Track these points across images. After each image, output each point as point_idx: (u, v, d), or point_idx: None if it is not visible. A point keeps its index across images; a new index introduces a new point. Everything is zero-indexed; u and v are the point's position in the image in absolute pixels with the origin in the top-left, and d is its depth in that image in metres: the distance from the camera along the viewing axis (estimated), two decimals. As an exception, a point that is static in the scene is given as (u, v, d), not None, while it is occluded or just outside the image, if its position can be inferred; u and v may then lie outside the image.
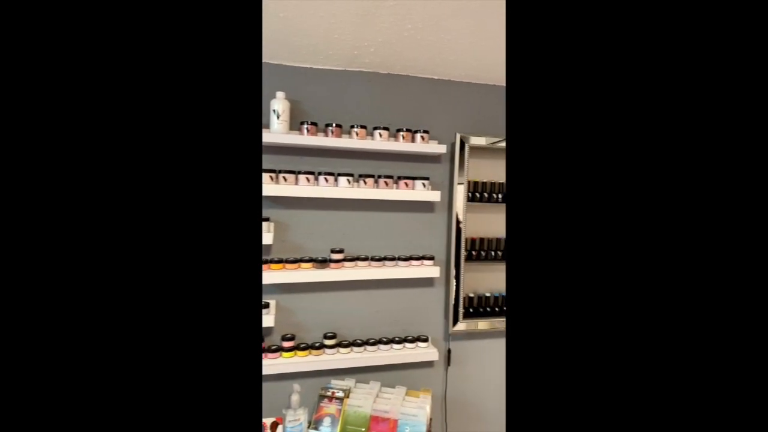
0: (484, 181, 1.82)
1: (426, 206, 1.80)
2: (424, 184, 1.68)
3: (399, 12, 1.18)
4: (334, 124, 1.58)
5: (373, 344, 1.68)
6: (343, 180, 1.59)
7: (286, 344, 1.58)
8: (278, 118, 1.52)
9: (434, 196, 1.69)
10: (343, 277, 1.60)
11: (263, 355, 1.53)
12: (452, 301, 1.80)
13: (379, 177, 1.66)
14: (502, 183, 1.84)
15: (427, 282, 1.81)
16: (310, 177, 1.56)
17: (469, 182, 1.79)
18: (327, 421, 1.50)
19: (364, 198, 1.67)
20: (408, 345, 1.71)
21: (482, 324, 1.83)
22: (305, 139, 1.55)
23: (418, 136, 1.66)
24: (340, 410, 1.51)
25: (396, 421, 1.50)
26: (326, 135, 1.59)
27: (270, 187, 1.50)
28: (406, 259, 1.71)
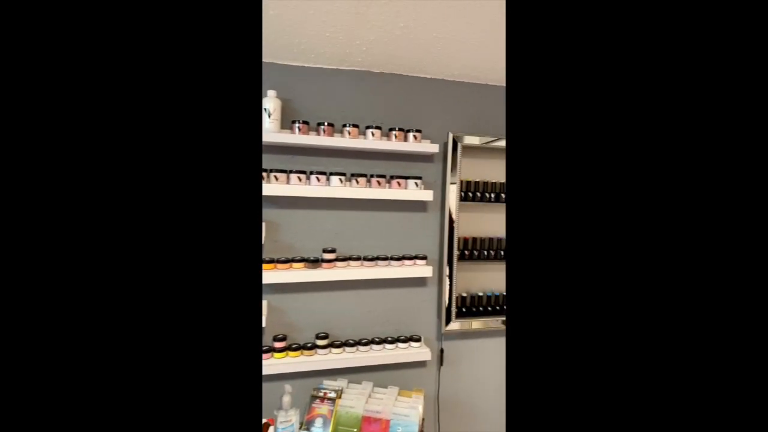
0: (477, 180, 1.82)
1: (418, 206, 1.79)
2: (416, 184, 1.68)
3: (391, 11, 1.17)
4: (326, 123, 1.56)
5: (365, 344, 1.67)
6: (335, 179, 1.58)
7: (278, 345, 1.57)
8: (269, 116, 1.51)
9: (427, 195, 1.69)
10: (335, 277, 1.59)
11: (254, 355, 1.52)
12: (445, 301, 1.80)
13: (372, 176, 1.65)
14: (495, 182, 1.84)
15: (419, 282, 1.81)
16: (302, 176, 1.55)
17: (461, 182, 1.79)
18: (319, 422, 1.49)
19: (357, 197, 1.66)
20: (401, 345, 1.70)
21: (475, 324, 1.83)
22: (297, 138, 1.53)
23: (410, 135, 1.66)
24: (332, 411, 1.50)
25: (388, 421, 1.49)
26: (318, 134, 1.57)
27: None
28: (398, 259, 1.71)
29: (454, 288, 1.79)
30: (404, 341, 1.71)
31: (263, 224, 1.56)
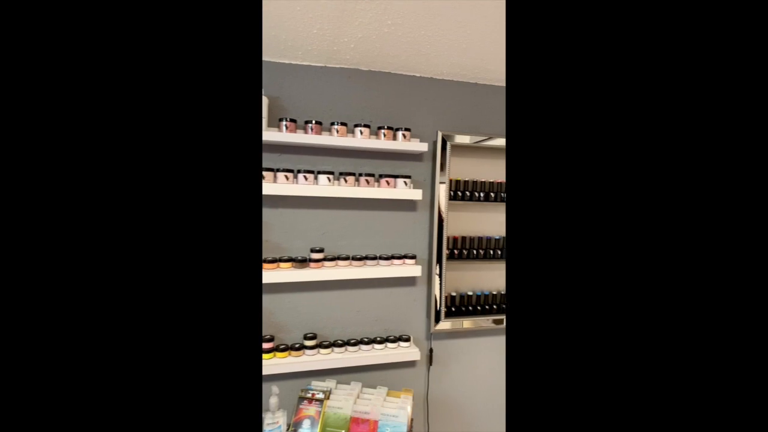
0: (467, 179, 1.81)
1: (408, 205, 1.78)
2: (405, 183, 1.67)
3: (379, 8, 1.16)
4: (313, 121, 1.55)
5: (354, 344, 1.66)
6: (323, 178, 1.57)
7: (266, 345, 1.55)
8: (256, 114, 1.48)
9: (416, 194, 1.68)
10: (323, 276, 1.57)
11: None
12: (434, 300, 1.79)
13: (360, 175, 1.64)
14: (485, 182, 1.84)
15: (409, 281, 1.80)
16: (289, 175, 1.53)
17: (451, 181, 1.78)
18: (306, 423, 1.47)
19: (345, 196, 1.64)
20: (390, 345, 1.69)
21: (465, 323, 1.83)
22: (284, 136, 1.51)
23: (399, 133, 1.64)
24: (320, 412, 1.49)
25: (376, 422, 1.48)
26: (306, 132, 1.56)
27: (248, 185, 1.46)
28: (387, 258, 1.70)
29: (443, 287, 1.79)
30: (393, 341, 1.70)
31: (250, 223, 1.54)
